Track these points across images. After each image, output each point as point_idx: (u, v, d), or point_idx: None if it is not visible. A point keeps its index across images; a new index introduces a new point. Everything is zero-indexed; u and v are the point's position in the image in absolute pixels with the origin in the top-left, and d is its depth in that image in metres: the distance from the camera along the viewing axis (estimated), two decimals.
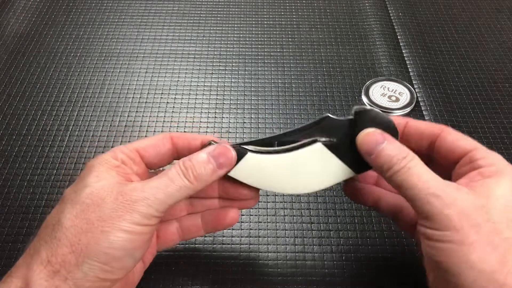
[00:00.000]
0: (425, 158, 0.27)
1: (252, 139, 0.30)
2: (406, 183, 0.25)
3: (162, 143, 0.30)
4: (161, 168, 0.32)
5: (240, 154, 0.29)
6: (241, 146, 0.29)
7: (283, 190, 0.30)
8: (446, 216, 0.24)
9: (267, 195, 0.40)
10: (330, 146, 0.29)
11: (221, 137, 0.45)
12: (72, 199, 0.26)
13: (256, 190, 0.31)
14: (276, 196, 0.40)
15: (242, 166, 0.29)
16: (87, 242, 0.24)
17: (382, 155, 0.26)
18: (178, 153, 0.31)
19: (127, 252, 0.25)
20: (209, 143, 0.29)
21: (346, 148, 0.29)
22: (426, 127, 0.29)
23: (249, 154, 0.29)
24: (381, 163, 0.26)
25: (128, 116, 0.47)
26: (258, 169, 0.29)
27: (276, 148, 0.30)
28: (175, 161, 0.30)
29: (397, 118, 0.30)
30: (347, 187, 0.33)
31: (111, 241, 0.24)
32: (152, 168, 0.31)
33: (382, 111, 0.30)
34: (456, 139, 0.28)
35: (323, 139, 0.29)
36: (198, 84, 0.50)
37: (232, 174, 0.29)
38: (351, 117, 0.29)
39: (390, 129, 0.28)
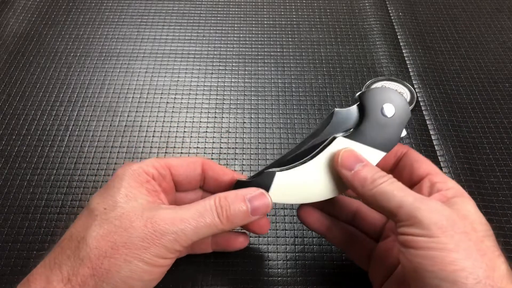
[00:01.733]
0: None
1: (270, 162, 0.30)
2: (391, 192, 0.26)
3: (193, 166, 0.31)
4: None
5: (269, 177, 0.29)
6: (266, 170, 0.29)
7: (321, 197, 0.30)
8: (436, 222, 0.24)
9: None
10: (350, 136, 0.29)
11: (221, 137, 0.45)
12: (101, 216, 0.26)
13: (245, 235, 0.34)
14: None
15: (274, 188, 0.29)
16: (108, 268, 0.24)
17: (364, 171, 0.27)
18: (204, 182, 0.31)
19: (144, 283, 0.26)
20: (237, 182, 0.30)
21: (365, 132, 0.29)
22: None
23: (277, 174, 0.29)
24: (364, 177, 0.27)
25: (128, 116, 0.47)
26: (290, 185, 0.29)
27: (301, 160, 0.29)
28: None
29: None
30: (300, 210, 0.34)
31: (132, 271, 0.24)
32: (178, 190, 0.31)
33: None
34: (418, 161, 0.29)
35: (341, 133, 0.29)
36: (198, 84, 0.50)
37: None
38: (358, 102, 0.29)
39: (399, 100, 0.29)
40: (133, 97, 0.49)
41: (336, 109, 0.29)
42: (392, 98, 0.29)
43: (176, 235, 0.25)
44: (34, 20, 0.57)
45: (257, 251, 0.37)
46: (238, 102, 0.48)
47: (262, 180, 0.29)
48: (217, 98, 0.49)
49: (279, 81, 0.51)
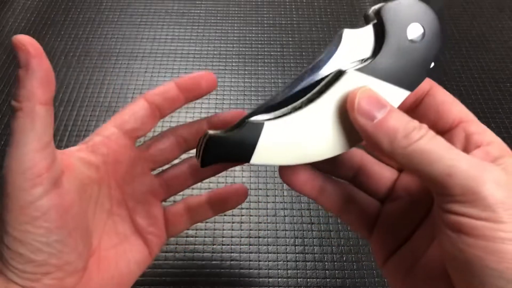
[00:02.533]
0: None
1: (253, 108, 0.22)
2: (436, 152, 0.18)
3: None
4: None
5: (255, 130, 0.21)
6: (249, 119, 0.21)
7: (324, 154, 0.22)
8: (504, 202, 0.17)
9: (267, 196, 0.40)
10: (365, 69, 0.21)
11: None
12: None
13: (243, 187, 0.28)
14: (276, 197, 0.40)
15: (262, 145, 0.21)
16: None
17: (395, 117, 0.20)
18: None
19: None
20: (209, 137, 0.22)
21: (384, 63, 0.21)
22: None
23: (266, 124, 0.21)
24: (394, 126, 0.19)
25: None
26: (283, 140, 0.21)
27: (298, 102, 0.21)
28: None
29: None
30: (283, 168, 0.25)
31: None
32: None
33: None
34: (447, 102, 0.22)
35: (352, 64, 0.21)
36: None
37: (254, 161, 0.21)
38: (374, 21, 0.21)
39: (429, 18, 0.21)
40: (133, 97, 0.48)
41: (345, 29, 0.21)
42: (420, 16, 0.21)
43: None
44: (34, 19, 0.57)
45: (257, 251, 0.36)
46: (238, 102, 0.48)
47: (244, 134, 0.21)
48: (217, 98, 0.49)
49: (279, 81, 0.51)
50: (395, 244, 0.24)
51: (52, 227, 0.21)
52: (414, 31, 0.21)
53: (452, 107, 0.22)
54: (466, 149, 0.21)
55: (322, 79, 0.21)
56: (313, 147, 0.22)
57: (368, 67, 0.21)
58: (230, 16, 0.59)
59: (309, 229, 0.38)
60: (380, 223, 0.25)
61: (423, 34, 0.21)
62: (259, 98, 0.49)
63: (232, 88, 0.50)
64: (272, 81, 0.51)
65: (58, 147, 0.43)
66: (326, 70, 0.21)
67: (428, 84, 0.23)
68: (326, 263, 0.36)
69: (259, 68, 0.52)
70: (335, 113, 0.21)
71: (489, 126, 0.48)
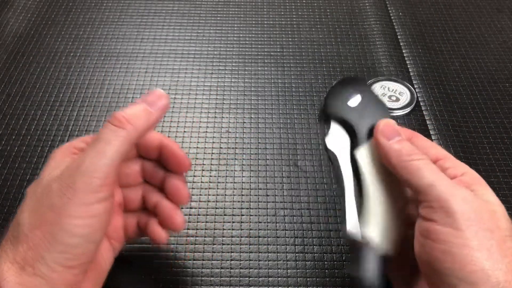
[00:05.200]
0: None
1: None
2: (426, 170, 0.25)
3: None
4: None
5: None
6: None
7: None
8: (464, 213, 0.22)
9: (267, 195, 0.40)
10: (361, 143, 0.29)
11: (221, 137, 0.45)
12: (30, 195, 0.25)
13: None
14: (276, 196, 0.40)
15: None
16: (42, 236, 0.23)
17: (402, 143, 0.27)
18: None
19: (85, 238, 0.24)
20: None
21: (363, 131, 0.29)
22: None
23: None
24: (400, 148, 0.27)
25: None
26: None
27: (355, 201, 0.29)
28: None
29: None
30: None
31: (66, 230, 0.24)
32: None
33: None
34: (426, 146, 0.28)
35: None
36: (198, 84, 0.50)
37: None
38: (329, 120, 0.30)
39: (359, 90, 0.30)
40: (133, 97, 0.49)
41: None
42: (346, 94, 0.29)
43: (89, 173, 0.24)
44: (34, 20, 0.57)
45: (257, 251, 0.37)
46: (238, 102, 0.48)
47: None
48: (217, 98, 0.49)
49: (279, 81, 0.51)
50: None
51: (97, 229, 0.25)
52: (353, 102, 0.29)
53: (430, 150, 0.27)
54: None
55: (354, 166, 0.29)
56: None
57: (360, 141, 0.29)
58: (230, 17, 0.59)
59: (309, 229, 0.38)
60: None
61: (359, 99, 0.29)
62: (259, 98, 0.49)
63: (232, 88, 0.50)
64: (272, 81, 0.51)
65: (59, 147, 0.43)
66: (344, 164, 0.29)
67: (410, 133, 0.29)
68: (326, 263, 0.36)
69: (259, 68, 0.52)
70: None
71: (488, 126, 0.48)
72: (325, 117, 0.29)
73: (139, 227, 0.32)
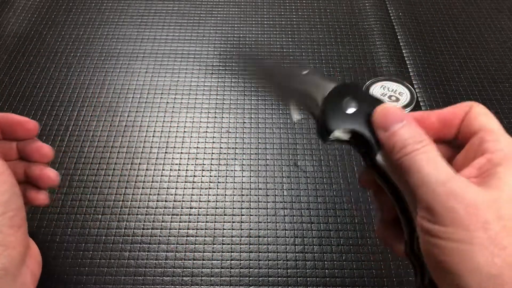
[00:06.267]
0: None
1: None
2: (414, 167, 0.22)
3: None
4: None
5: None
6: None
7: None
8: (451, 209, 0.21)
9: (267, 195, 0.40)
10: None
11: (221, 137, 0.45)
12: None
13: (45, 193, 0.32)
14: (276, 196, 0.40)
15: None
16: None
17: (398, 134, 0.24)
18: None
19: (9, 191, 0.26)
20: None
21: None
22: (448, 111, 0.26)
23: None
24: (394, 142, 0.23)
25: (128, 116, 0.47)
26: None
27: None
28: None
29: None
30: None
31: None
32: None
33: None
34: (478, 113, 0.24)
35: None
36: (198, 84, 0.50)
37: None
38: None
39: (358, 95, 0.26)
40: (133, 97, 0.49)
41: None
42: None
43: None
44: (34, 20, 0.57)
45: (257, 251, 0.37)
46: (238, 102, 0.48)
47: None
48: (217, 98, 0.49)
49: None
50: None
51: (14, 183, 0.27)
52: (348, 106, 0.26)
53: (479, 117, 0.24)
54: (476, 155, 0.23)
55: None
56: None
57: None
58: (230, 17, 0.59)
59: (309, 229, 0.38)
60: None
61: (356, 106, 0.26)
62: (259, 98, 0.49)
63: (232, 88, 0.50)
64: None
65: (59, 147, 0.43)
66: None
67: (467, 105, 0.25)
68: (326, 263, 0.36)
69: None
70: None
71: None
72: (327, 133, 0.26)
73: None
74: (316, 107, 0.27)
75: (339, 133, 0.26)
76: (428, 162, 0.22)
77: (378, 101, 0.26)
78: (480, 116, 0.24)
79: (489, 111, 0.24)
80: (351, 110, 0.26)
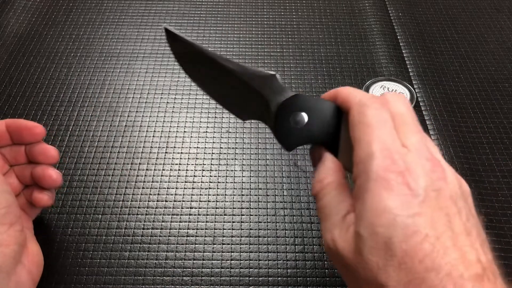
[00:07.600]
0: None
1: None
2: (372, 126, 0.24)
3: None
4: None
5: None
6: None
7: None
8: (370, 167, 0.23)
9: (267, 195, 0.40)
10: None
11: (221, 137, 0.45)
12: None
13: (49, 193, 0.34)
14: (276, 196, 0.40)
15: None
16: None
17: (317, 171, 0.27)
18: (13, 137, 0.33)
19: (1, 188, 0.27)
20: None
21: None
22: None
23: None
24: (313, 181, 0.27)
25: (128, 116, 0.47)
26: None
27: None
28: None
29: None
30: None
31: None
32: None
33: None
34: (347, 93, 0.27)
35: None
36: None
37: None
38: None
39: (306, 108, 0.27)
40: (133, 97, 0.49)
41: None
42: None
43: None
44: (34, 20, 0.57)
45: (257, 251, 0.37)
46: None
47: None
48: None
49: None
50: None
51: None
52: (299, 119, 0.27)
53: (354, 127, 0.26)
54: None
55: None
56: None
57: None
58: (230, 17, 0.59)
59: (309, 229, 0.38)
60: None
61: (306, 118, 0.27)
62: None
63: None
64: None
65: (59, 147, 0.43)
66: None
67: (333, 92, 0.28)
68: (326, 262, 0.36)
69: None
70: None
71: (488, 127, 0.48)
72: (288, 150, 0.27)
73: (30, 202, 0.34)
74: (268, 114, 0.28)
75: (298, 146, 0.27)
76: (378, 124, 0.24)
77: (324, 102, 0.26)
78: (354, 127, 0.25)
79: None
80: (301, 124, 0.26)
